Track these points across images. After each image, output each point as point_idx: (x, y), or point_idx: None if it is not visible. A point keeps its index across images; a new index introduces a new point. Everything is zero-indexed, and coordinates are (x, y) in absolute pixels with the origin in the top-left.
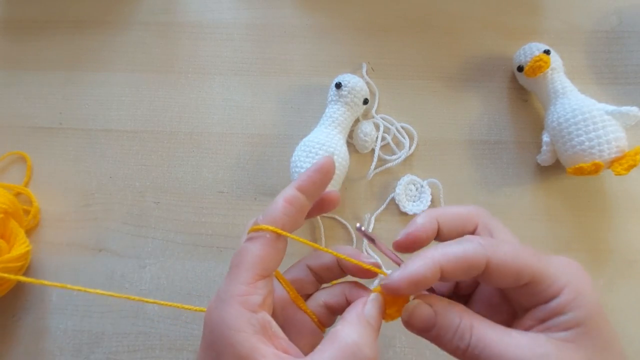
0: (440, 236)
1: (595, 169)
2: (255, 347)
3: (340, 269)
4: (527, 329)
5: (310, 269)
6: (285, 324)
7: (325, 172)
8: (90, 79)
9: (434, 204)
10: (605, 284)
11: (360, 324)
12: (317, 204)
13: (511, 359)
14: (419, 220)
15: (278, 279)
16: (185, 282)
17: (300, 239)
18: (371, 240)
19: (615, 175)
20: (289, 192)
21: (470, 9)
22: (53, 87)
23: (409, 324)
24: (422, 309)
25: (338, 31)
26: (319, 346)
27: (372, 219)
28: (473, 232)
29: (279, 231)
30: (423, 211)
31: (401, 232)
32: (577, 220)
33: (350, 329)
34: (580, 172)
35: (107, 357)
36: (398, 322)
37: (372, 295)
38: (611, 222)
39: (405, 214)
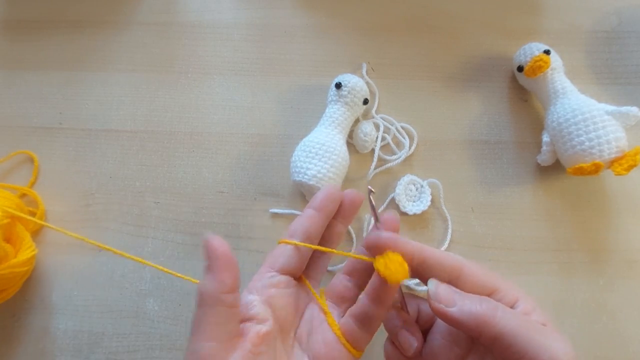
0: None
1: (595, 169)
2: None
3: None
4: None
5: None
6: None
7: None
8: (90, 79)
9: (434, 204)
10: (605, 284)
11: None
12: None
13: (537, 334)
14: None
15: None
16: (185, 282)
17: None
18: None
19: (615, 175)
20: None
21: (470, 9)
22: (53, 87)
23: (436, 296)
24: (443, 285)
25: (338, 31)
26: None
27: (372, 219)
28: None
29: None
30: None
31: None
32: (577, 220)
33: None
34: (580, 172)
35: (107, 357)
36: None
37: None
38: (611, 222)
39: (405, 214)
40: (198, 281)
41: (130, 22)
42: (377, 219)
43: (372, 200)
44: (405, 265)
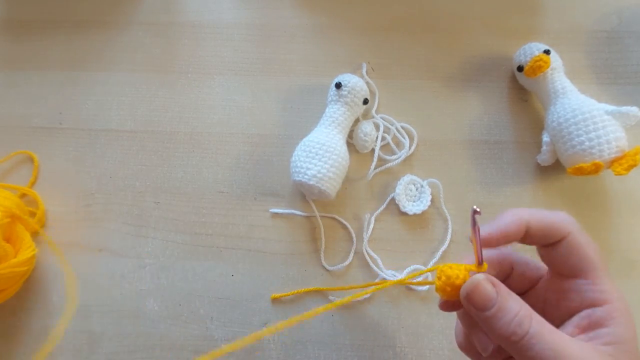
0: (528, 238)
1: (595, 169)
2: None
3: (553, 243)
4: (571, 335)
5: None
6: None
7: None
8: (90, 79)
9: (434, 203)
10: None
11: None
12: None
13: (564, 357)
14: (507, 218)
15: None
16: (185, 282)
17: None
18: (474, 226)
19: (615, 175)
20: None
21: (470, 9)
22: (53, 87)
23: (469, 298)
24: (486, 285)
25: (338, 31)
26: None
27: (372, 219)
28: (562, 241)
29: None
30: (511, 210)
31: (492, 225)
32: (577, 220)
33: None
34: (580, 172)
35: (107, 357)
36: (396, 321)
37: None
38: (611, 222)
39: (405, 213)
40: None
41: (130, 22)
42: (477, 255)
43: (477, 226)
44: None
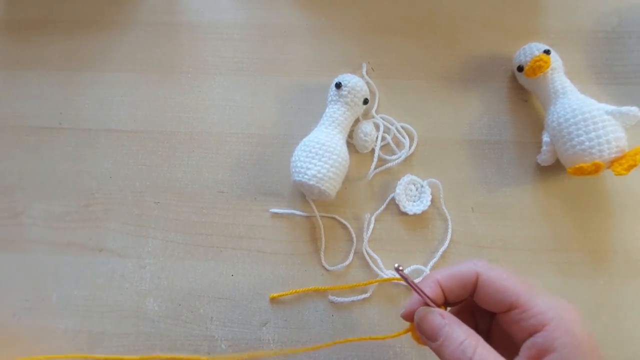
0: (447, 297)
1: (595, 169)
2: None
3: (470, 293)
4: None
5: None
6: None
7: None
8: (90, 79)
9: (434, 203)
10: (605, 284)
11: None
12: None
13: None
14: (424, 283)
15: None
16: (185, 282)
17: None
18: (406, 281)
19: (615, 175)
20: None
21: (470, 9)
22: (53, 87)
23: (420, 327)
24: (433, 315)
25: (338, 31)
26: None
27: (372, 219)
28: (475, 283)
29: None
30: (427, 275)
31: (406, 305)
32: (577, 220)
33: None
34: (580, 172)
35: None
36: (396, 321)
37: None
38: (611, 222)
39: (405, 213)
40: None
41: (130, 22)
42: (418, 292)
43: (406, 278)
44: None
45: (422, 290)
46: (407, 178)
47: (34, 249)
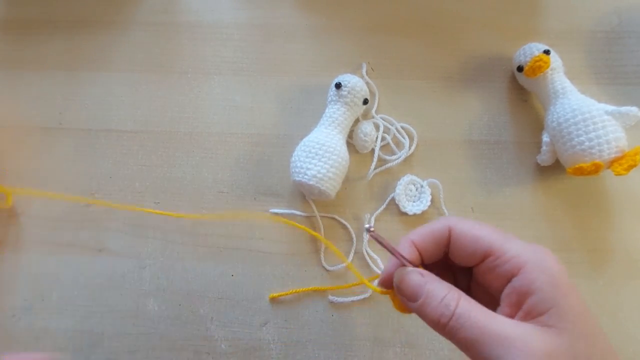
0: (423, 256)
1: (595, 169)
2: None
3: (444, 250)
4: (509, 317)
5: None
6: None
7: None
8: (90, 79)
9: (434, 203)
10: (605, 284)
11: None
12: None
13: (493, 334)
14: (401, 245)
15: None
16: (185, 282)
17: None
18: (380, 242)
19: (615, 175)
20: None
21: (470, 9)
22: (53, 87)
23: (400, 289)
24: (413, 274)
25: (338, 31)
26: None
27: (372, 219)
28: (448, 239)
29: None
30: (403, 237)
31: (383, 270)
32: (577, 220)
33: None
34: (580, 172)
35: (107, 357)
36: (396, 321)
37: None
38: (611, 222)
39: (405, 213)
40: None
41: (130, 22)
42: (393, 253)
43: (379, 240)
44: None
45: (397, 251)
46: (407, 178)
47: (34, 249)
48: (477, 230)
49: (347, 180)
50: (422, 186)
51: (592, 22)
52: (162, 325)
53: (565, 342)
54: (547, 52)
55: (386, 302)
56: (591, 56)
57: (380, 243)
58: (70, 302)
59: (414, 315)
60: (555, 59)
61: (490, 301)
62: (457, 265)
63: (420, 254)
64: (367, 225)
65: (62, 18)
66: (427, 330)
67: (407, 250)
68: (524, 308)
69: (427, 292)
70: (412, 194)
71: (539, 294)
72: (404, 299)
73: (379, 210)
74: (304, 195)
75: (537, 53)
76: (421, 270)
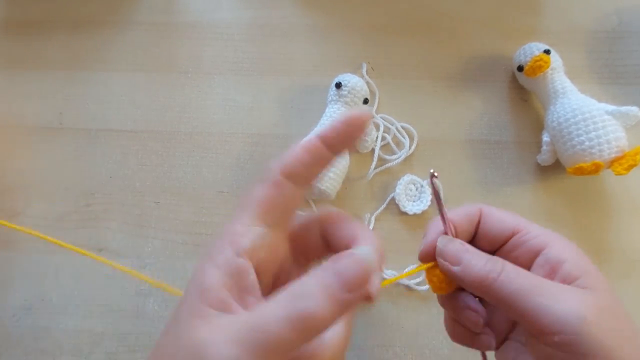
0: (457, 233)
1: (595, 169)
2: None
3: (475, 229)
4: None
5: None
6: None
7: (353, 125)
8: (90, 79)
9: (434, 203)
10: None
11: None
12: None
13: (545, 286)
14: (436, 227)
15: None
16: (185, 282)
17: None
18: (436, 198)
19: (615, 175)
20: (310, 140)
21: (470, 9)
22: (53, 87)
23: (443, 253)
24: (455, 242)
25: (338, 31)
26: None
27: (372, 218)
28: (479, 219)
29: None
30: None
31: (423, 243)
32: (577, 220)
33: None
34: (580, 172)
35: (107, 357)
36: (395, 321)
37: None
38: (611, 222)
39: (405, 213)
40: None
41: (130, 22)
42: (443, 219)
43: (437, 189)
44: (450, 284)
45: (446, 215)
46: (407, 178)
47: (34, 249)
48: (504, 213)
49: (347, 180)
50: (422, 186)
51: (592, 22)
52: (162, 325)
53: (602, 300)
54: (547, 51)
55: (386, 302)
56: (591, 56)
57: (437, 199)
58: (70, 302)
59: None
60: (555, 59)
61: None
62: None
63: (455, 230)
64: (431, 171)
65: (62, 18)
66: (427, 330)
67: (445, 225)
68: (560, 274)
69: (471, 255)
70: (412, 194)
71: (571, 262)
72: (446, 265)
73: (379, 210)
74: (304, 195)
75: (537, 53)
76: (463, 242)
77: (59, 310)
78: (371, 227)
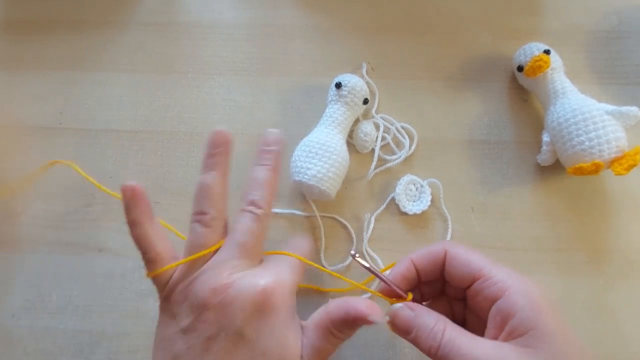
0: (421, 274)
1: (595, 169)
2: None
3: (440, 270)
4: (494, 338)
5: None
6: None
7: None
8: (90, 79)
9: (434, 203)
10: (605, 284)
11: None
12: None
13: (474, 359)
14: (401, 265)
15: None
16: None
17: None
18: (368, 269)
19: (615, 175)
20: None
21: (470, 9)
22: (53, 87)
23: (393, 324)
24: (404, 310)
25: (338, 31)
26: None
27: (372, 219)
28: (444, 259)
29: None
30: (404, 258)
31: (392, 272)
32: (577, 220)
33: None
34: (580, 172)
35: (107, 357)
36: None
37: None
38: (611, 222)
39: (405, 213)
40: None
41: (130, 22)
42: (382, 279)
43: (366, 265)
44: None
45: (384, 278)
46: (407, 178)
47: (34, 249)
48: (469, 254)
49: (347, 180)
50: (422, 186)
51: (592, 22)
52: None
53: None
54: (547, 51)
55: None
56: (591, 56)
57: (370, 270)
58: (70, 302)
59: None
60: (555, 59)
61: (483, 325)
62: (452, 294)
63: (418, 272)
64: (352, 252)
65: (61, 18)
66: None
67: (406, 267)
68: (506, 329)
69: (418, 325)
70: (412, 194)
71: (519, 316)
72: (400, 333)
73: (379, 210)
74: (304, 195)
75: (537, 53)
76: (410, 304)
77: (59, 310)
78: (371, 227)
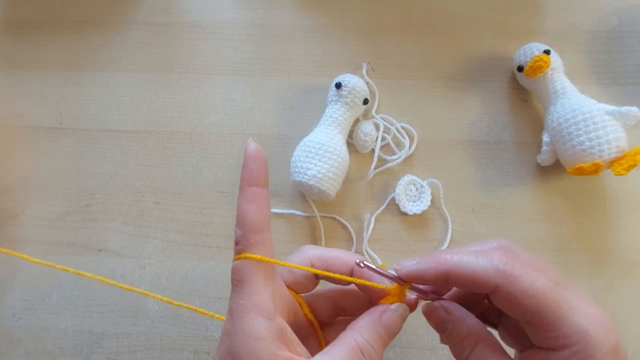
0: (450, 285)
1: (595, 169)
2: (274, 353)
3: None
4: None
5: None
6: (294, 326)
7: (257, 158)
8: (90, 79)
9: (434, 203)
10: (605, 284)
11: (374, 329)
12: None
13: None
14: (428, 263)
15: (294, 297)
16: (185, 282)
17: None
18: (378, 272)
19: (615, 175)
20: (247, 191)
21: (470, 9)
22: (53, 87)
23: (427, 318)
24: (438, 311)
25: (338, 31)
26: (327, 347)
27: (372, 219)
28: (492, 293)
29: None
30: (434, 255)
31: (411, 266)
32: (577, 220)
33: (362, 333)
34: (580, 172)
35: (107, 357)
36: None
37: (394, 306)
38: (611, 222)
39: (405, 214)
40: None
41: (130, 22)
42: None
43: (372, 267)
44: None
45: (418, 287)
46: (407, 178)
47: (34, 249)
48: (536, 298)
49: (347, 180)
50: (422, 186)
51: (592, 22)
52: (162, 325)
53: None
54: (547, 52)
55: None
56: (591, 56)
57: (378, 273)
58: (70, 302)
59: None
60: (555, 59)
61: (521, 330)
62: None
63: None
64: (357, 261)
65: (61, 18)
66: (428, 330)
67: (431, 275)
68: None
69: (450, 330)
70: (412, 194)
71: None
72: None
73: (379, 210)
74: (304, 195)
75: (537, 53)
76: (447, 305)
77: (59, 310)
78: (371, 227)
